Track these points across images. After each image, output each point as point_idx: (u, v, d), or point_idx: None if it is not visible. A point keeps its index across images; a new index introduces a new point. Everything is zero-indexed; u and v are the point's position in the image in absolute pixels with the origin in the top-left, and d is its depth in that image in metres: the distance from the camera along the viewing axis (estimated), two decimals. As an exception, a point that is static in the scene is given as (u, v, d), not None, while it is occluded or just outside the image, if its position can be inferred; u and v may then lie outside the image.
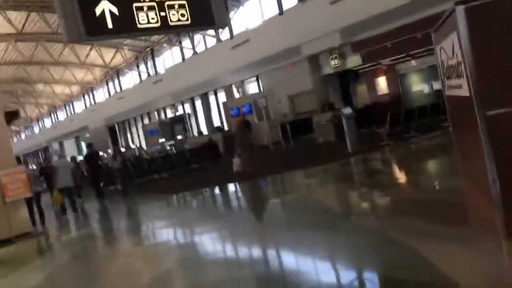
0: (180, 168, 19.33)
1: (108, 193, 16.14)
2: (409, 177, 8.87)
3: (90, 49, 31.22)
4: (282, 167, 12.64)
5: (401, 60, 17.44)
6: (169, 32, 11.57)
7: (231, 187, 12.06)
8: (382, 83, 18.60)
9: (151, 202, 13.04)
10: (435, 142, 12.37)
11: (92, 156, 15.64)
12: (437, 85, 16.96)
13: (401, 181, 8.89)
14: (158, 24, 9.77)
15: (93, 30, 9.03)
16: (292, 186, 11.04)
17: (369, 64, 18.50)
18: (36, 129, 59.28)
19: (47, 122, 55.65)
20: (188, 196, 12.48)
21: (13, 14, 21.48)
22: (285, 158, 15.52)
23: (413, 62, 17.40)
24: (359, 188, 8.87)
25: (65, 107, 48.65)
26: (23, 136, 64.53)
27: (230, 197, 11.77)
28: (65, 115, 49.25)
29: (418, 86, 18.11)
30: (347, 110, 12.78)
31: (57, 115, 52.54)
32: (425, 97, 17.33)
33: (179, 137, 25.83)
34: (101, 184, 15.85)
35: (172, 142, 25.54)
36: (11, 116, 13.04)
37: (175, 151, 22.24)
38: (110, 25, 9.13)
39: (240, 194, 11.75)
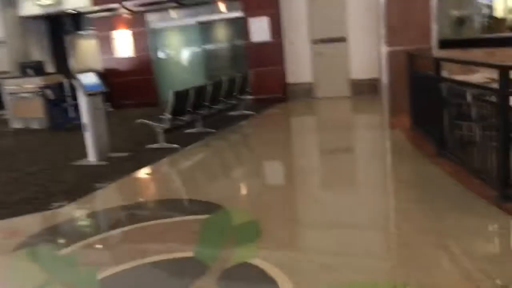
0: None
1: None
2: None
3: None
4: None
5: (156, 6, 11.36)
6: None
7: None
8: (124, 39, 12.06)
9: None
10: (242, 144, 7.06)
11: None
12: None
13: None
14: None
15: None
16: None
17: (102, 8, 11.73)
18: None
19: None
20: None
21: None
22: None
23: (173, 14, 11.55)
24: None
25: None
26: None
27: None
28: None
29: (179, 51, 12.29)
30: (90, 78, 5.96)
31: None
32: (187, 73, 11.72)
33: None
34: None
35: None
36: None
37: None
38: None
39: None
